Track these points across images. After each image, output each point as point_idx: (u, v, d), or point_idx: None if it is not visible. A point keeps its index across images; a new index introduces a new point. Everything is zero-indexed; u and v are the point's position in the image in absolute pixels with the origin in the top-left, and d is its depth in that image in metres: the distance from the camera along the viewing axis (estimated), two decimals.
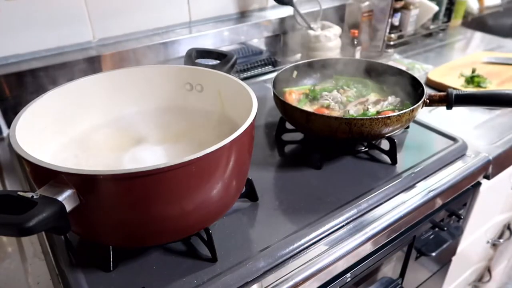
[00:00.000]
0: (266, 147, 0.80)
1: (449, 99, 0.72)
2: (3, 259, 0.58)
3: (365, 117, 0.67)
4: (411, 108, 0.68)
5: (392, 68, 0.85)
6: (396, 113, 0.67)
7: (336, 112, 0.79)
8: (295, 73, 0.88)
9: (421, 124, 0.86)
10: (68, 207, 0.41)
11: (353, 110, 0.78)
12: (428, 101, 0.74)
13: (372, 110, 0.77)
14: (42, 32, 0.85)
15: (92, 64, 0.88)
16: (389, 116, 0.66)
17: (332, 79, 0.90)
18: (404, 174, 0.71)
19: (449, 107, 0.73)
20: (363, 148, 0.78)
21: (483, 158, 0.78)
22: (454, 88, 1.01)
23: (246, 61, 1.14)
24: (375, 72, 0.87)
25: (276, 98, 0.74)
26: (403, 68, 1.17)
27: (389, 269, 0.77)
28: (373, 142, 0.78)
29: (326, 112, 0.78)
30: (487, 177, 0.82)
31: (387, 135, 0.71)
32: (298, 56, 1.19)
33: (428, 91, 0.74)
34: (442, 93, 0.73)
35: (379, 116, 0.66)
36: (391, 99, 0.80)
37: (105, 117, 0.67)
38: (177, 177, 0.44)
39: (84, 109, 0.64)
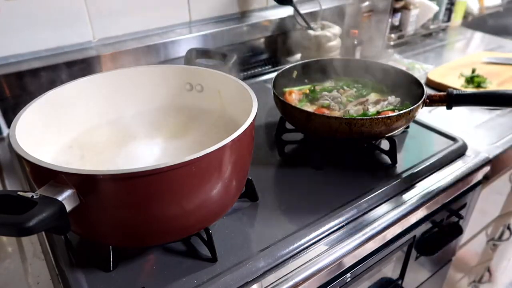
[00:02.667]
0: (266, 147, 0.80)
1: (449, 99, 0.72)
2: (3, 259, 0.58)
3: (365, 117, 0.66)
4: (411, 108, 0.68)
5: (392, 68, 0.85)
6: (396, 113, 0.67)
7: (336, 112, 0.79)
8: (295, 73, 0.88)
9: (421, 124, 0.86)
10: (68, 207, 0.41)
11: (353, 110, 0.78)
12: (428, 101, 0.74)
13: (372, 110, 0.77)
14: (42, 32, 0.85)
15: (92, 64, 0.88)
16: (389, 116, 0.66)
17: (332, 79, 0.90)
18: (404, 174, 0.71)
19: (449, 107, 0.73)
20: (364, 148, 0.78)
21: (483, 158, 0.78)
22: (454, 88, 1.02)
23: (246, 61, 1.14)
24: (375, 72, 0.87)
25: (276, 98, 0.74)
26: (403, 68, 1.17)
27: (389, 269, 0.77)
28: (373, 142, 0.78)
29: (326, 112, 0.78)
30: (487, 177, 0.82)
31: (387, 135, 0.71)
32: (298, 56, 1.19)
33: (428, 91, 0.74)
34: (442, 93, 0.73)
35: (379, 116, 0.66)
36: (391, 99, 0.80)
37: (105, 117, 0.67)
38: (177, 177, 0.44)
39: (84, 109, 0.64)
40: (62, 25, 0.87)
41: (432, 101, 0.74)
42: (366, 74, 0.88)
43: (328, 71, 0.90)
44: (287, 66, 0.86)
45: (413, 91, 0.79)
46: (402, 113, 0.67)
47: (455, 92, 0.71)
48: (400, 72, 0.83)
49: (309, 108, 0.80)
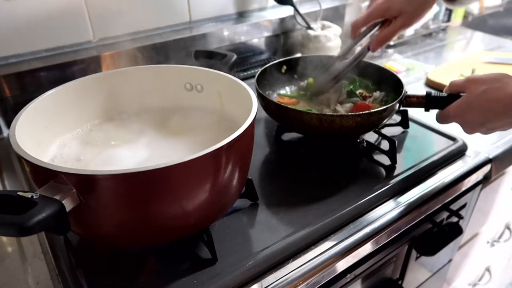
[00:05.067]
0: (266, 147, 0.80)
1: (426, 101, 0.71)
2: (3, 259, 0.58)
3: (335, 114, 0.67)
4: (384, 107, 0.68)
5: (377, 67, 0.85)
6: (366, 111, 0.68)
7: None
8: (284, 68, 0.89)
9: (421, 124, 0.86)
10: (68, 207, 0.41)
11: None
12: (405, 101, 0.73)
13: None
14: (42, 32, 0.85)
15: (92, 64, 0.88)
16: (359, 114, 0.67)
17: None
18: (404, 174, 0.71)
19: (427, 109, 0.72)
20: (363, 148, 0.78)
21: (483, 158, 0.78)
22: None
23: (246, 61, 1.14)
24: (363, 70, 0.87)
25: (256, 90, 0.75)
26: (403, 68, 1.17)
27: (389, 269, 0.77)
28: (374, 142, 0.78)
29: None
30: (487, 177, 0.82)
31: (365, 133, 0.73)
32: (298, 56, 1.19)
33: (427, 90, 0.74)
34: (420, 95, 0.72)
35: (349, 114, 0.67)
36: (376, 94, 0.81)
37: (105, 116, 0.67)
38: (177, 177, 0.44)
39: (84, 109, 0.64)
40: (62, 25, 0.87)
41: (409, 103, 0.73)
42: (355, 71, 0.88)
43: (317, 67, 0.90)
44: (276, 61, 0.87)
45: (396, 89, 0.79)
46: (373, 112, 0.68)
47: (432, 94, 0.71)
48: (385, 72, 0.83)
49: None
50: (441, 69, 1.14)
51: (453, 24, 1.49)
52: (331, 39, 1.10)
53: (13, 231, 0.37)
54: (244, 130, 0.48)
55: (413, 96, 0.73)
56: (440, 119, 0.69)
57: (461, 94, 0.66)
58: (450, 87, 0.68)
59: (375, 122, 0.69)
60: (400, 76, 0.81)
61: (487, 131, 0.64)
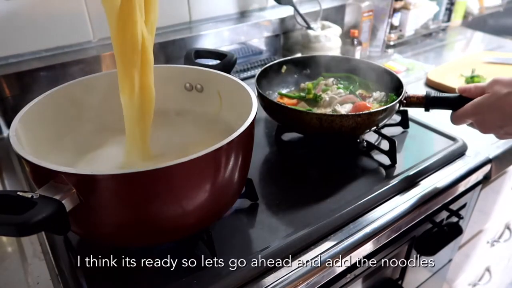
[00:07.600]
0: (266, 147, 0.80)
1: (426, 101, 0.71)
2: (3, 259, 0.58)
3: (335, 114, 0.67)
4: (384, 107, 0.68)
5: (377, 67, 0.85)
6: (366, 111, 0.68)
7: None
8: (284, 68, 0.89)
9: (421, 124, 0.86)
10: (68, 207, 0.41)
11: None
12: (405, 102, 0.73)
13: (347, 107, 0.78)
14: (42, 32, 0.85)
15: (92, 64, 0.88)
16: (359, 114, 0.67)
17: (321, 75, 0.90)
18: (404, 174, 0.71)
19: (426, 109, 0.72)
20: (363, 148, 0.78)
21: (483, 158, 0.78)
22: (453, 88, 1.02)
23: (246, 61, 1.14)
24: (361, 70, 0.88)
25: (257, 90, 0.75)
26: (403, 68, 1.17)
27: (389, 269, 0.77)
28: (374, 142, 0.78)
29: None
30: (487, 177, 0.82)
31: (365, 133, 0.73)
32: (298, 56, 1.19)
33: (426, 90, 0.74)
34: (420, 95, 0.72)
35: (349, 114, 0.67)
36: (375, 94, 0.81)
37: (105, 116, 0.67)
38: (177, 177, 0.44)
39: (84, 108, 0.64)
40: (62, 25, 0.87)
41: (409, 103, 0.73)
42: (353, 71, 0.88)
43: (316, 67, 0.91)
44: (276, 61, 0.87)
45: (396, 90, 0.79)
46: (373, 112, 0.68)
47: (432, 94, 0.71)
48: (385, 71, 0.84)
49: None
50: (441, 69, 1.14)
51: (453, 24, 1.49)
52: (331, 39, 1.10)
53: (13, 231, 0.37)
54: (244, 130, 0.48)
55: (413, 96, 0.73)
56: (455, 119, 0.67)
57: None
58: (476, 89, 0.65)
59: (375, 122, 0.69)
60: (400, 76, 0.81)
61: (504, 135, 0.63)
